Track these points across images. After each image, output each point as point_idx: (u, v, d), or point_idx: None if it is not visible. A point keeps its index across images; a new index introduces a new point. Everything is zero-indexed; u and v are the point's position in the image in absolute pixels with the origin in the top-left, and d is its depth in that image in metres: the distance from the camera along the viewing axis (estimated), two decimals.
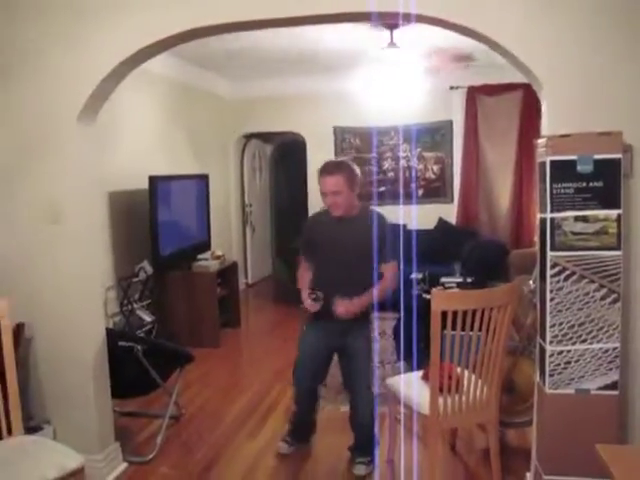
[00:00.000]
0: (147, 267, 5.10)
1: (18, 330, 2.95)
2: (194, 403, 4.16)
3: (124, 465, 3.26)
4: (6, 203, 3.05)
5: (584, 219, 2.37)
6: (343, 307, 3.01)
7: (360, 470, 3.16)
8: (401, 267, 3.21)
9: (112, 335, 3.30)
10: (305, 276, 3.26)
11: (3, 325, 2.55)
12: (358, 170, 3.12)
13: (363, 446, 3.22)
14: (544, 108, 2.54)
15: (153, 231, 5.09)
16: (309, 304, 3.08)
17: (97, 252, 3.21)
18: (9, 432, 2.55)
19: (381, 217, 3.14)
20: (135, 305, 5.07)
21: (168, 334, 5.24)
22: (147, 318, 5.14)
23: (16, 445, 2.48)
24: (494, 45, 2.54)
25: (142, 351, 3.24)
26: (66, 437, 2.97)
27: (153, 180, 5.07)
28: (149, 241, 5.12)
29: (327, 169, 3.04)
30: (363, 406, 3.17)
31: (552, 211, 2.38)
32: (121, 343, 3.26)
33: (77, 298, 3.04)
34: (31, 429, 2.97)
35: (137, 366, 3.26)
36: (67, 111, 2.92)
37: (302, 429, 3.47)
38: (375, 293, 3.06)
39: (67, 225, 2.99)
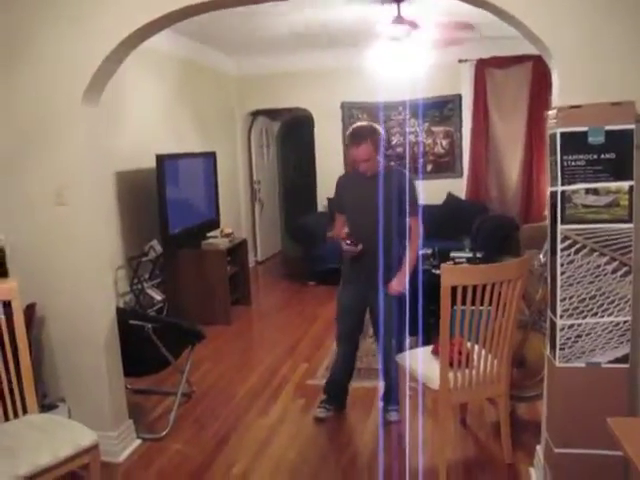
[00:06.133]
0: (156, 246, 5.12)
1: (29, 310, 2.98)
2: (206, 380, 4.20)
3: (138, 442, 3.31)
4: (15, 185, 3.06)
5: (595, 191, 2.34)
6: (398, 286, 3.25)
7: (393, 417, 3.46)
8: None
9: (123, 314, 3.33)
10: (340, 227, 3.45)
11: (14, 306, 2.56)
12: (380, 129, 3.29)
13: (389, 393, 3.47)
14: (554, 78, 2.49)
15: (162, 210, 5.10)
16: (347, 247, 3.27)
17: (106, 232, 3.22)
18: (24, 410, 2.58)
19: (403, 174, 3.31)
20: (145, 284, 5.10)
21: (179, 313, 5.27)
22: (157, 297, 5.17)
23: (31, 423, 2.51)
24: (504, 14, 2.48)
25: (153, 329, 3.26)
26: (80, 415, 3.01)
27: (160, 159, 5.06)
28: (158, 220, 5.13)
29: (355, 139, 3.18)
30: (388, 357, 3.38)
31: (563, 184, 2.35)
32: (132, 322, 3.28)
33: (87, 278, 3.06)
34: (46, 407, 3.02)
35: (149, 344, 3.28)
36: (71, 93, 2.91)
37: (338, 393, 3.59)
38: (411, 254, 3.29)
39: (75, 206, 3.00)
